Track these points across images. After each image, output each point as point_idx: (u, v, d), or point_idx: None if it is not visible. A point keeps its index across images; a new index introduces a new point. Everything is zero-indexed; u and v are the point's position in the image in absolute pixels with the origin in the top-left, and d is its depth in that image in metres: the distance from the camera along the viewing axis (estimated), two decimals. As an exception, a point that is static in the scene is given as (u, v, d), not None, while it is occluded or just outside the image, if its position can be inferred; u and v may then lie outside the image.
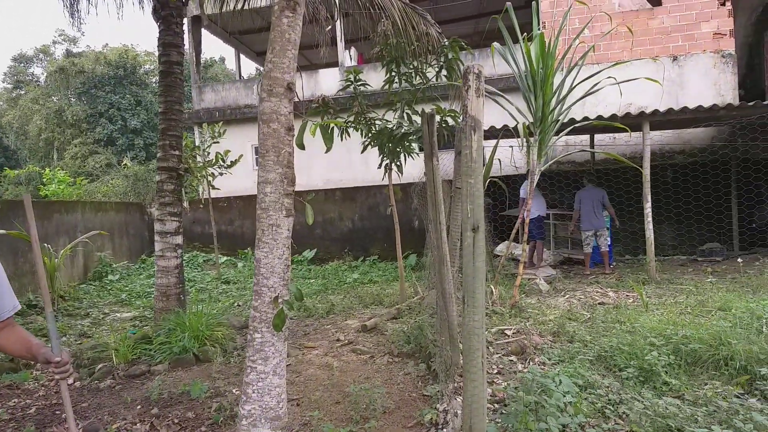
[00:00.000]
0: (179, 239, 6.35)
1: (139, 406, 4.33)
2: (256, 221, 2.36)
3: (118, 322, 7.42)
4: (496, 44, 7.02)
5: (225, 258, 12.53)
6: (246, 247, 13.15)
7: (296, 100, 2.41)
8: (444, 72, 6.90)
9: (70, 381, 2.08)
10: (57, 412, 4.41)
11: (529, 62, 6.73)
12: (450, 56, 6.74)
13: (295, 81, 2.40)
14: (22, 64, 37.32)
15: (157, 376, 4.98)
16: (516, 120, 6.88)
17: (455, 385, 4.05)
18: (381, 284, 9.41)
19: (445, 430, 3.38)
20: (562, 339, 5.25)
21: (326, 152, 2.62)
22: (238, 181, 13.13)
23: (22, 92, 35.31)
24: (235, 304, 8.39)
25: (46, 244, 8.52)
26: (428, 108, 5.18)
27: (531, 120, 6.90)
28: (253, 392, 2.31)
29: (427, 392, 4.13)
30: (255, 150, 15.08)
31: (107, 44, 39.36)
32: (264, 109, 2.33)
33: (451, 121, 6.68)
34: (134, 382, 4.94)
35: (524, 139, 6.74)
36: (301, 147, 2.51)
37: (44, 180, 13.24)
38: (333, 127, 2.75)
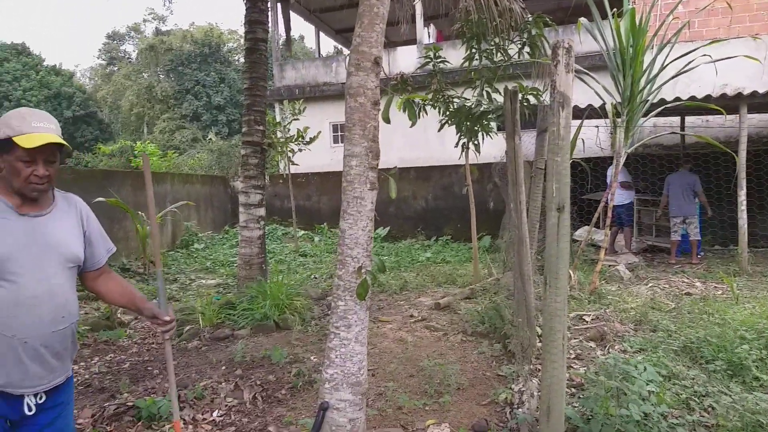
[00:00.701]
0: (262, 211, 6.58)
1: (223, 367, 4.57)
2: (342, 193, 2.42)
3: (203, 288, 7.83)
4: (583, 20, 6.75)
5: (302, 232, 12.88)
6: (322, 221, 13.46)
7: (383, 75, 2.43)
8: (527, 49, 6.72)
9: (166, 333, 2.18)
10: (149, 368, 4.73)
11: (618, 39, 6.44)
12: (533, 32, 6.54)
13: (382, 55, 2.42)
14: (116, 41, 39.47)
15: (240, 340, 5.23)
16: (602, 99, 6.61)
17: (531, 366, 4.01)
18: (454, 264, 9.40)
19: (520, 410, 3.37)
20: (644, 328, 5.08)
21: (411, 127, 2.64)
22: (315, 157, 13.41)
23: (116, 69, 37.41)
24: (312, 276, 8.63)
25: (139, 212, 9.07)
26: (509, 86, 5.08)
27: (618, 100, 6.62)
28: (336, 357, 2.39)
29: (502, 372, 4.12)
30: (332, 127, 15.33)
31: (194, 23, 40.94)
32: (351, 83, 2.37)
33: (532, 100, 6.52)
34: (219, 345, 5.21)
35: (611, 120, 6.48)
36: (387, 121, 2.54)
37: (136, 153, 14.03)
38: (419, 102, 2.76)
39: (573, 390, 3.69)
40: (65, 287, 1.95)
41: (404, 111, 2.41)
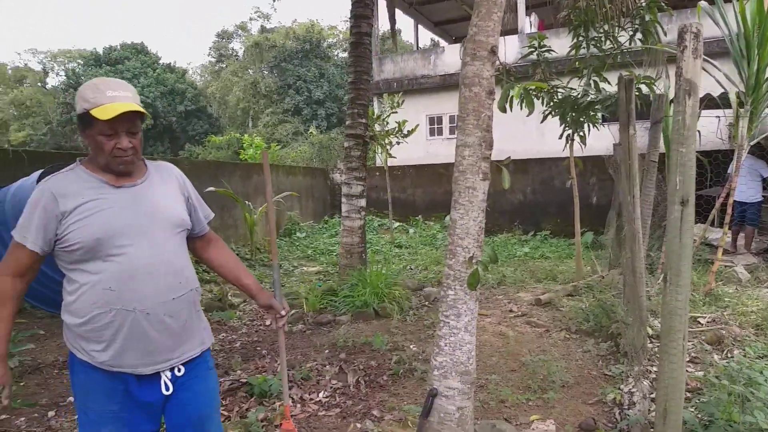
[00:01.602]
0: (363, 202, 6.73)
1: (327, 351, 4.74)
2: (453, 183, 2.43)
3: (305, 275, 8.13)
4: (703, 3, 6.31)
5: (398, 224, 13.01)
6: (417, 214, 13.53)
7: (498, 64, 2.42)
8: (639, 36, 6.37)
9: (281, 324, 2.19)
10: (258, 348, 4.99)
11: (743, 23, 5.96)
12: (647, 18, 6.20)
13: (498, 45, 2.40)
14: (224, 40, 41.56)
15: (342, 325, 5.40)
16: (724, 88, 6.16)
17: (641, 367, 3.84)
18: (553, 260, 9.14)
19: (631, 411, 3.24)
20: (766, 333, 4.71)
21: (528, 116, 2.60)
22: (411, 150, 13.48)
23: (224, 66, 39.42)
24: (408, 267, 8.71)
25: (247, 202, 9.55)
26: (617, 75, 4.85)
27: (741, 88, 6.14)
28: (445, 345, 2.42)
29: (609, 372, 3.98)
30: (429, 120, 15.33)
31: (296, 20, 42.24)
32: (466, 72, 2.37)
33: (645, 89, 6.18)
34: (321, 329, 5.40)
35: (734, 110, 6.02)
36: (503, 110, 2.52)
37: (243, 145, 14.78)
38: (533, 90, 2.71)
39: (687, 394, 3.50)
40: (178, 253, 1.91)
41: (521, 100, 2.37)
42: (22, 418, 3.59)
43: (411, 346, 4.78)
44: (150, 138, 32.28)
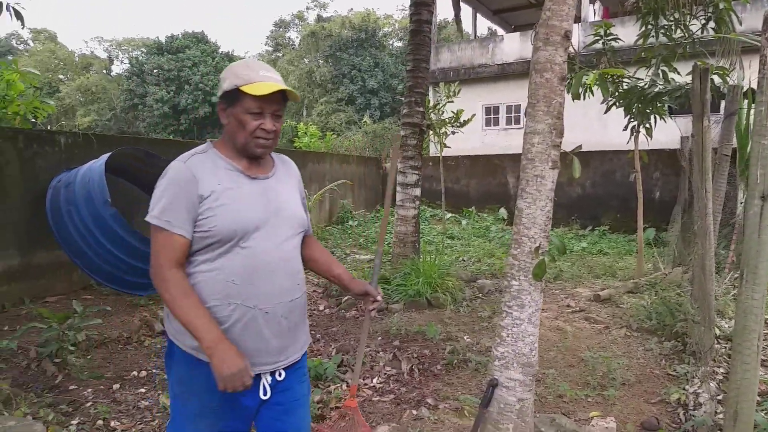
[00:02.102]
0: (418, 191, 6.70)
1: (380, 337, 4.76)
2: (521, 171, 2.38)
3: (357, 262, 8.19)
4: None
5: (450, 214, 12.93)
6: (470, 205, 13.39)
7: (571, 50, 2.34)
8: (711, 24, 6.08)
9: (372, 308, 2.12)
10: (311, 332, 5.06)
11: (831, 8, 5.60)
12: (721, 6, 5.90)
13: (572, 29, 2.32)
14: (281, 29, 42.13)
15: (394, 314, 5.41)
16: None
17: (708, 368, 3.69)
18: (612, 256, 8.89)
19: (696, 412, 3.12)
20: None
21: (601, 102, 2.51)
22: (466, 140, 13.35)
23: (280, 55, 39.98)
24: (460, 258, 8.65)
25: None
26: (687, 65, 4.64)
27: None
28: (507, 336, 2.38)
29: (673, 372, 3.84)
30: (485, 110, 15.12)
31: (352, 9, 42.40)
32: (538, 58, 2.31)
33: (717, 80, 5.90)
34: (374, 316, 5.43)
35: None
36: (577, 97, 2.45)
37: (298, 133, 14.97)
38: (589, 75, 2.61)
39: (758, 398, 3.34)
40: (296, 254, 1.86)
41: (599, 85, 2.29)
42: (89, 390, 3.76)
43: (465, 337, 4.74)
44: (207, 125, 33.10)
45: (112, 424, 3.29)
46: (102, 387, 3.83)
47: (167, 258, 1.65)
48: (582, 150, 2.35)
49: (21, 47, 42.37)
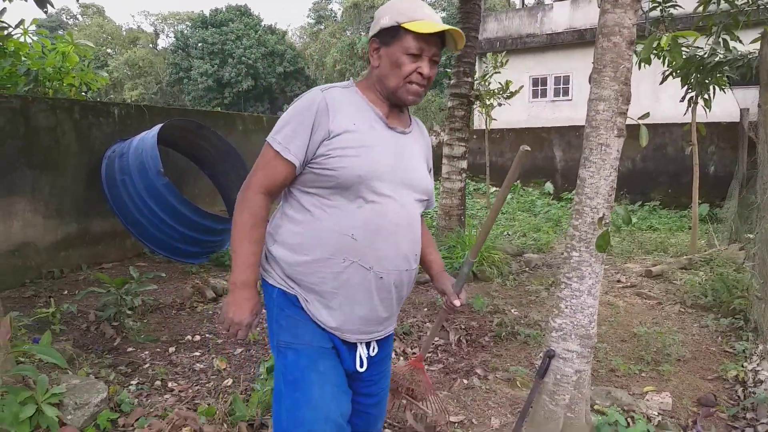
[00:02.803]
0: (464, 164, 6.62)
1: (425, 309, 4.77)
2: (584, 140, 2.31)
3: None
4: None
5: (494, 189, 12.77)
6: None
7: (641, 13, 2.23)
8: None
9: (449, 308, 1.98)
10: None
11: None
12: (791, -32, 5.56)
13: (642, -10, 2.22)
14: (323, 1, 41.86)
15: (441, 286, 5.39)
16: None
17: (766, 346, 3.57)
18: (663, 232, 8.64)
19: (756, 389, 3.03)
20: None
21: (662, 73, 2.39)
22: (512, 112, 13.08)
23: (322, 27, 39.82)
24: (505, 233, 8.55)
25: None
26: (750, 34, 4.40)
27: None
28: (566, 307, 2.34)
29: (730, 348, 3.73)
30: (532, 81, 14.77)
31: (394, -21, 41.62)
32: (606, 21, 2.21)
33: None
34: (420, 288, 5.42)
35: None
36: (648, 62, 2.35)
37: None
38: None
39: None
40: (419, 221, 1.70)
41: (671, 50, 2.17)
42: (146, 352, 3.89)
43: (512, 310, 4.70)
44: (251, 98, 33.43)
45: (170, 384, 3.40)
46: (158, 350, 3.96)
47: (262, 180, 1.56)
48: (630, 124, 2.25)
49: (71, 21, 43.42)
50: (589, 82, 2.27)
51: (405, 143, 1.65)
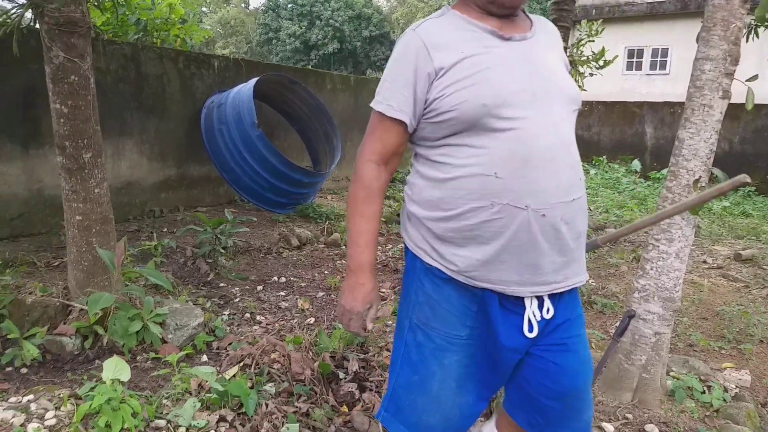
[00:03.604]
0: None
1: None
2: (686, 100, 2.27)
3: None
4: None
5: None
6: (601, 154, 12.75)
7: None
8: None
9: None
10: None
11: None
12: None
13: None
14: (414, -35, 41.18)
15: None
16: None
17: None
18: (757, 219, 8.17)
19: None
20: None
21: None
22: (603, 84, 12.53)
23: (411, -10, 39.33)
24: (587, 208, 8.35)
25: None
26: None
27: None
28: (651, 269, 2.35)
29: (822, 336, 3.58)
30: (627, 52, 14.09)
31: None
32: (720, -23, 2.14)
33: None
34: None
35: None
36: (762, 21, 2.26)
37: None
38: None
39: None
40: (573, 138, 1.41)
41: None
42: (237, 288, 4.18)
43: (590, 281, 4.67)
44: (335, 62, 33.73)
45: (258, 317, 3.67)
46: (247, 287, 4.25)
47: (372, 147, 1.43)
48: (735, 102, 2.18)
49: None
50: (696, 41, 2.22)
51: (531, 49, 1.39)
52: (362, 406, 2.29)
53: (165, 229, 5.39)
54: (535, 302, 1.37)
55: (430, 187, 1.40)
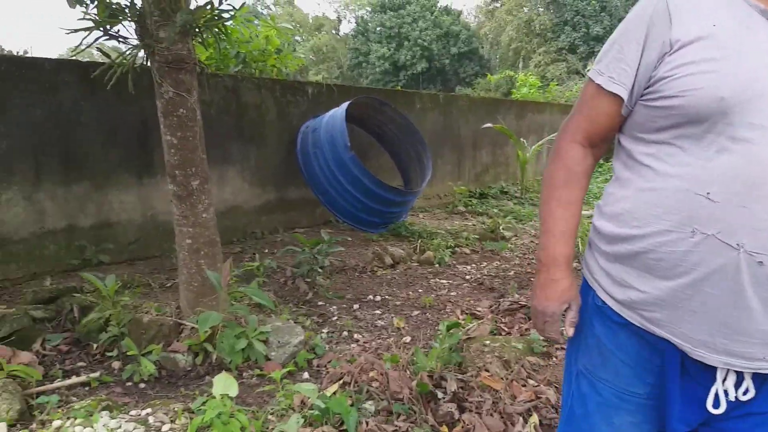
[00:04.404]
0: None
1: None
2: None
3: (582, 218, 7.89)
4: None
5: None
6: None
7: None
8: None
9: None
10: (531, 279, 5.08)
11: None
12: None
13: None
14: (501, -21, 40.95)
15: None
16: None
17: None
18: None
19: None
20: None
21: None
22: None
23: (498, 5, 39.06)
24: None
25: (521, 139, 9.53)
26: None
27: None
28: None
29: None
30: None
31: (577, -49, 39.41)
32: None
33: None
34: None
35: None
36: None
37: (517, 84, 14.71)
38: None
39: None
40: None
41: None
42: (334, 307, 4.28)
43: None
44: (423, 81, 34.07)
45: (355, 336, 3.73)
46: (344, 306, 4.33)
47: (579, 124, 1.23)
48: None
49: (265, 11, 47.65)
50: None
51: None
52: (462, 427, 2.25)
53: (266, 250, 5.62)
54: (732, 377, 1.06)
55: (618, 195, 1.17)
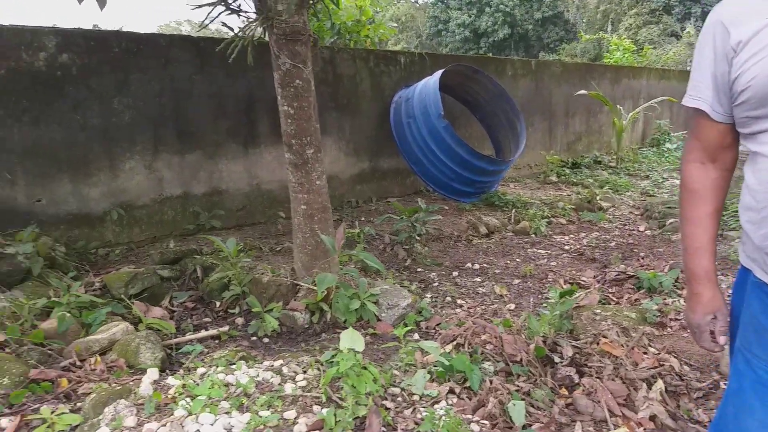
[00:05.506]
0: None
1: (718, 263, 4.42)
2: None
3: (676, 188, 7.55)
4: None
5: None
6: None
7: None
8: None
9: None
10: (634, 250, 4.93)
11: None
12: None
13: None
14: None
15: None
16: None
17: None
18: None
19: None
20: None
21: None
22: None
23: (586, -34, 37.10)
24: None
25: (618, 106, 9.14)
26: None
27: None
28: None
29: None
30: None
31: None
32: None
33: None
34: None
35: None
36: None
37: (609, 48, 14.00)
38: None
39: None
40: None
41: None
42: (433, 273, 4.36)
43: None
44: (505, 47, 33.10)
45: (458, 301, 3.80)
46: (443, 273, 4.40)
47: (690, 145, 1.33)
48: None
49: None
50: None
51: None
52: (583, 391, 2.27)
53: (363, 218, 5.77)
54: None
55: (746, 185, 1.21)
